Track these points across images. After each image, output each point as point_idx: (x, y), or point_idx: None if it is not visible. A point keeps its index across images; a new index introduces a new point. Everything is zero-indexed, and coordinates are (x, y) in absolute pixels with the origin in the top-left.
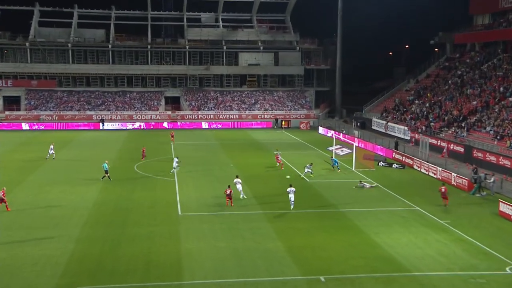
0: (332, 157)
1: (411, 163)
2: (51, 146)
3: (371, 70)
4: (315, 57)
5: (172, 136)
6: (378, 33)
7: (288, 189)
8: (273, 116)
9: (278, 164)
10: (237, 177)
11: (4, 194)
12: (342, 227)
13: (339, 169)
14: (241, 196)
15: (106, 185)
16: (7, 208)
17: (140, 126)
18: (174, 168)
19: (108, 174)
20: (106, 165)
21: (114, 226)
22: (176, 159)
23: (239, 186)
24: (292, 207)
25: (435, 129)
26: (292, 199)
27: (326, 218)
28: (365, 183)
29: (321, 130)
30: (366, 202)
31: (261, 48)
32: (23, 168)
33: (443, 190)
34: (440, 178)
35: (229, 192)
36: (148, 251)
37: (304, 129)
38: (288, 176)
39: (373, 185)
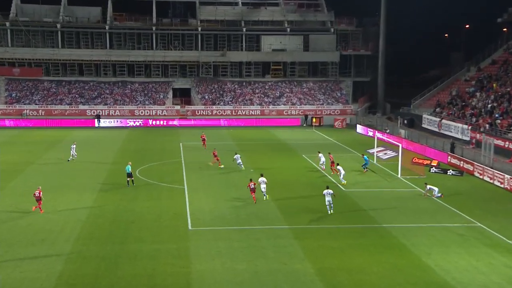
0: (363, 155)
1: (471, 169)
2: (73, 146)
3: (422, 56)
4: (353, 40)
5: (204, 140)
6: (431, 10)
7: (325, 192)
8: (302, 112)
9: (331, 167)
10: (261, 175)
11: (40, 193)
12: (386, 246)
13: (366, 169)
14: (264, 197)
15: (103, 193)
16: (40, 210)
17: (147, 123)
18: (240, 165)
19: (132, 178)
20: (129, 167)
21: (112, 242)
22: (238, 156)
23: (263, 186)
24: (330, 211)
25: (502, 128)
26: (331, 202)
27: (366, 234)
28: (434, 187)
29: (359, 128)
30: (415, 216)
31: (288, 30)
32: (4, 172)
33: None
34: (509, 188)
35: (253, 186)
36: (152, 272)
37: (339, 127)
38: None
39: (439, 194)
